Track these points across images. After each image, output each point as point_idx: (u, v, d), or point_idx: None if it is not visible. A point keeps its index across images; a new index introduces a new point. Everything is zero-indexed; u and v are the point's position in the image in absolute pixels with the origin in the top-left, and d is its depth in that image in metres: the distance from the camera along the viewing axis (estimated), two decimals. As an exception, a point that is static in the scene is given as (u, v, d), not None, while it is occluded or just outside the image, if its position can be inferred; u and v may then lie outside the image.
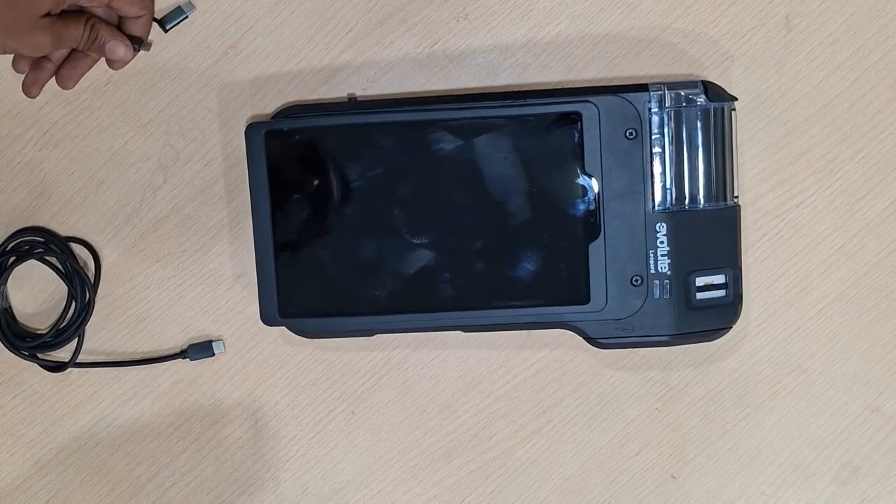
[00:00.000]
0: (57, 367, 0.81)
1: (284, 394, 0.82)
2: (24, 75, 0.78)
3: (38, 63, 0.77)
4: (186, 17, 0.79)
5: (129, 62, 0.77)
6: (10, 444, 0.83)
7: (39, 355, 0.81)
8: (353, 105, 0.78)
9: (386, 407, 0.81)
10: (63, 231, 0.82)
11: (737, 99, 0.75)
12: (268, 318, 0.77)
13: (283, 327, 0.79)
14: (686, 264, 0.75)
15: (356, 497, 0.82)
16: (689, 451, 0.80)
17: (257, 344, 0.82)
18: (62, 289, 0.81)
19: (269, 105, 0.80)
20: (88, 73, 0.79)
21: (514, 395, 0.81)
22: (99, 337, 0.82)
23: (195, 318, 0.82)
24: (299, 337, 0.79)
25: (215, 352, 0.81)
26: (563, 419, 0.81)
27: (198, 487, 0.82)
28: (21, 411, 0.83)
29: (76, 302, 0.81)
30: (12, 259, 0.81)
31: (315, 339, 0.80)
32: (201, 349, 0.81)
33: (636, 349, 0.78)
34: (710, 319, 0.76)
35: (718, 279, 0.75)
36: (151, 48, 0.79)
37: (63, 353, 0.82)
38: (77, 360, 0.81)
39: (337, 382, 0.82)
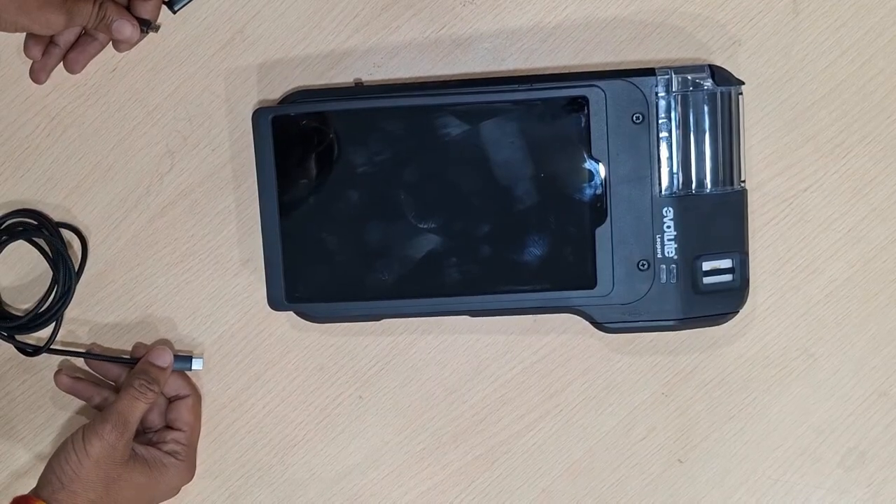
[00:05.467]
0: (33, 351, 0.81)
1: (292, 378, 0.82)
2: (31, 62, 0.78)
3: (45, 48, 0.77)
4: None
5: (135, 44, 0.77)
6: (19, 430, 0.84)
7: (18, 337, 0.82)
8: (359, 90, 0.78)
9: (393, 392, 0.82)
10: (71, 216, 0.82)
11: (744, 83, 0.75)
12: (275, 303, 0.77)
13: (291, 312, 0.79)
14: (693, 249, 0.75)
15: (363, 481, 0.82)
16: (695, 435, 0.80)
17: (265, 329, 0.82)
18: (46, 273, 0.82)
19: (275, 90, 0.80)
20: (95, 59, 0.79)
21: (521, 379, 0.81)
22: (107, 321, 0.82)
23: (203, 303, 0.82)
24: (306, 322, 0.79)
25: (193, 368, 0.80)
26: (570, 404, 0.81)
27: (205, 472, 0.82)
28: (30, 396, 0.83)
29: (58, 287, 0.81)
30: (3, 238, 0.81)
31: (322, 324, 0.80)
32: (180, 361, 0.80)
33: (643, 333, 0.78)
34: (716, 304, 0.76)
35: (725, 263, 0.75)
36: (159, 32, 0.79)
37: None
38: (56, 347, 0.81)
39: (344, 367, 0.82)
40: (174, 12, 0.79)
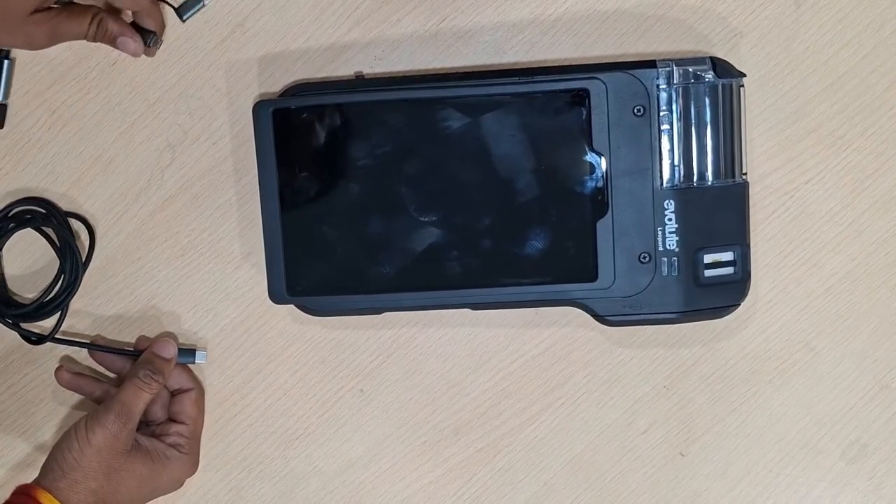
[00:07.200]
0: (37, 339, 0.81)
1: (293, 372, 0.82)
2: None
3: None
4: (203, 6, 0.79)
5: (141, 55, 0.77)
6: (23, 421, 0.84)
7: (23, 325, 0.82)
8: (360, 83, 0.78)
9: (394, 385, 0.82)
10: (73, 209, 0.82)
11: (745, 75, 0.75)
12: (276, 297, 0.77)
13: (292, 305, 0.79)
14: (694, 241, 0.75)
15: (365, 474, 0.82)
16: (697, 428, 0.80)
17: (266, 322, 0.82)
18: (53, 262, 0.81)
19: (276, 83, 0.80)
20: (95, 52, 0.79)
21: (522, 372, 0.81)
22: (109, 315, 0.82)
23: (204, 296, 0.82)
24: (308, 315, 0.79)
25: (196, 361, 0.81)
26: (571, 397, 0.81)
27: (207, 465, 0.83)
28: (33, 389, 0.83)
29: (65, 276, 0.81)
30: (11, 226, 0.81)
31: (323, 318, 0.80)
32: (184, 354, 0.80)
33: (644, 326, 0.78)
34: (718, 296, 0.76)
35: (727, 256, 0.75)
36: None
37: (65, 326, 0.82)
38: (60, 337, 0.81)
39: (345, 361, 0.82)
40: (183, 21, 0.79)
